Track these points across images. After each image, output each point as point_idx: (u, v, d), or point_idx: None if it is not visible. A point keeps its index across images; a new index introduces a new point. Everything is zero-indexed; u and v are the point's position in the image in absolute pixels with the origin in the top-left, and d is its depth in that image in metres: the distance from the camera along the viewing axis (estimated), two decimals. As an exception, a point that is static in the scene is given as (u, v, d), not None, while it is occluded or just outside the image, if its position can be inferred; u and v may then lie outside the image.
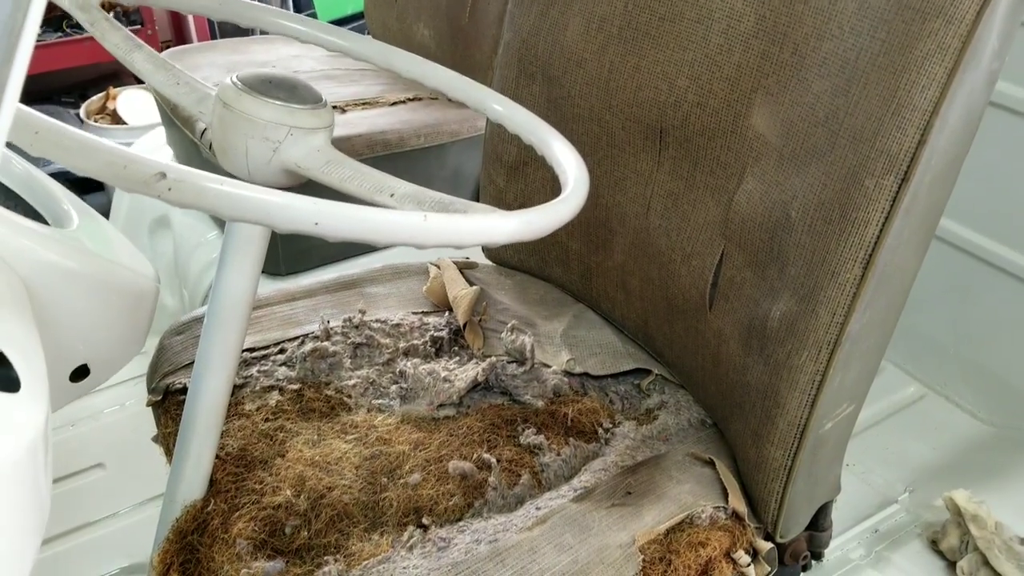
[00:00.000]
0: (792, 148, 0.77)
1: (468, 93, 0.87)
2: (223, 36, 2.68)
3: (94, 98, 2.54)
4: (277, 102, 0.69)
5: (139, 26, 2.70)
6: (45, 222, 0.73)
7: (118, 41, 0.78)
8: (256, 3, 0.91)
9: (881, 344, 0.83)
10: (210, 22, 2.79)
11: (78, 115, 2.48)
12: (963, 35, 0.66)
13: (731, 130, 0.85)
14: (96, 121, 2.45)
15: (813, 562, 0.94)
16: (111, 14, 2.87)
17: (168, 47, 2.35)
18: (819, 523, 0.92)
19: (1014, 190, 1.38)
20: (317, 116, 0.71)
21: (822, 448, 0.83)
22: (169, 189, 0.51)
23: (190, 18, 2.87)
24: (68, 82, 2.79)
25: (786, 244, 0.77)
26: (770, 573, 0.85)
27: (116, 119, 2.47)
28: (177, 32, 2.96)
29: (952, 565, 1.33)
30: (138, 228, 1.78)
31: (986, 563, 1.28)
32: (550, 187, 1.10)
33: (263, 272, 0.80)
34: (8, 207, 0.67)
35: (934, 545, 1.37)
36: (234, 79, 0.70)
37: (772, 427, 0.80)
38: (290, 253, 1.48)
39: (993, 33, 0.68)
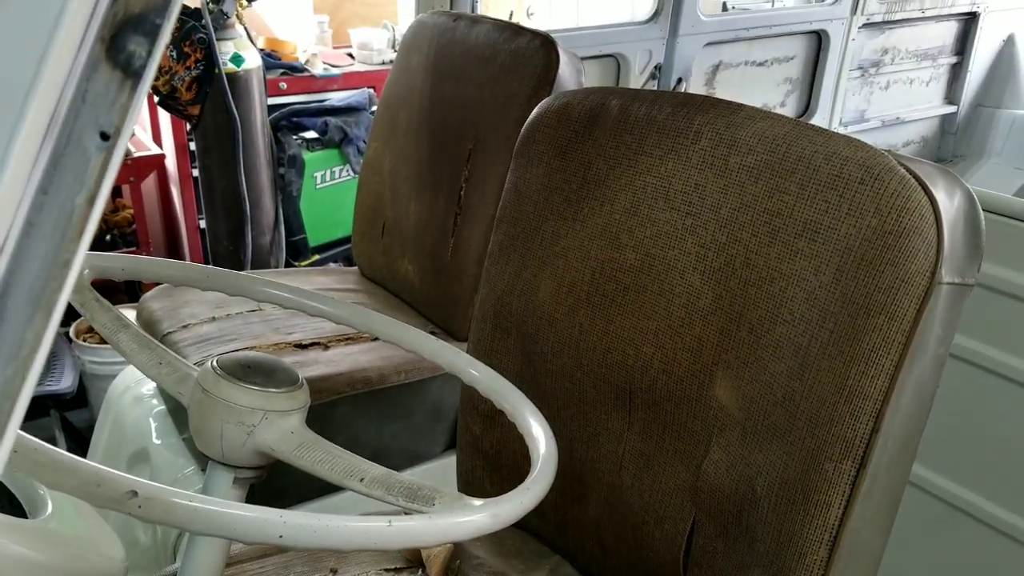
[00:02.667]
0: (754, 424, 0.79)
1: (444, 357, 0.90)
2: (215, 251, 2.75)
3: (83, 317, 2.58)
4: (254, 387, 0.71)
5: (135, 247, 2.79)
6: (20, 506, 0.74)
7: (106, 321, 0.81)
8: (239, 272, 0.96)
9: (856, 620, 0.82)
10: (201, 233, 2.87)
11: (67, 334, 2.52)
12: (906, 330, 0.70)
13: (696, 398, 0.87)
14: (84, 341, 2.48)
15: None
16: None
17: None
18: None
19: (986, 443, 1.40)
20: (292, 399, 0.73)
21: None
22: (139, 507, 0.53)
23: (184, 238, 2.98)
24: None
25: (754, 519, 0.78)
26: None
27: (103, 339, 2.51)
28: (170, 246, 3.06)
29: None
30: (117, 460, 1.76)
31: None
32: (525, 437, 1.12)
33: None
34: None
35: None
36: (214, 364, 0.73)
37: None
38: (265, 493, 1.46)
39: (936, 324, 0.73)
